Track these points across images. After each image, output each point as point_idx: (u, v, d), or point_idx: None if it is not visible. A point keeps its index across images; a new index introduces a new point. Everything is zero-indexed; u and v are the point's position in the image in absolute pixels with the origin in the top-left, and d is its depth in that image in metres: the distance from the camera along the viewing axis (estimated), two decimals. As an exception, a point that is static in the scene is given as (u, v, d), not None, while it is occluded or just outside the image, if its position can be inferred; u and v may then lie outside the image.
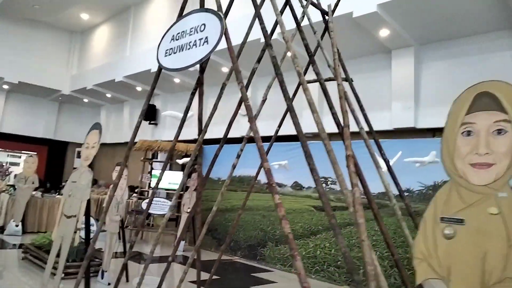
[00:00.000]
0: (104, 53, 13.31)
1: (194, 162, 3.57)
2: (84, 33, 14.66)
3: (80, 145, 16.10)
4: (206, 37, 2.31)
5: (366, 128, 3.35)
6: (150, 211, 8.55)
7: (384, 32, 6.68)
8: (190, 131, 11.07)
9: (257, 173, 4.44)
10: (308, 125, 3.34)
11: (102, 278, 4.94)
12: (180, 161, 8.01)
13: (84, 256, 5.00)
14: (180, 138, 10.47)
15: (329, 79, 3.24)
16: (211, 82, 10.76)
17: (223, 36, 2.30)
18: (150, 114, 12.28)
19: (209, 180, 8.96)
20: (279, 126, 4.17)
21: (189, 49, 2.43)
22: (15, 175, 11.77)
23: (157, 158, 9.87)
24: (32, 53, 13.65)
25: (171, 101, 12.37)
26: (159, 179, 3.26)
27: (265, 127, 9.43)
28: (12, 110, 14.32)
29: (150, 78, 11.11)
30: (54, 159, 15.69)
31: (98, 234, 3.12)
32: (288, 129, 7.02)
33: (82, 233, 4.64)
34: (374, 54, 7.69)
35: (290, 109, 2.32)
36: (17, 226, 8.15)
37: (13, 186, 9.24)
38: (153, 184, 9.10)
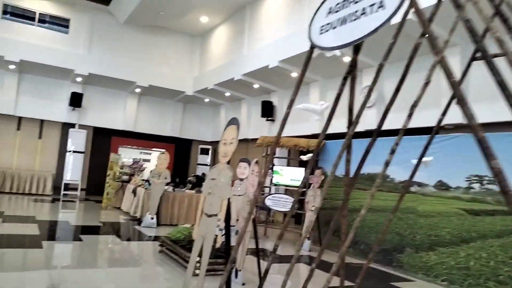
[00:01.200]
0: (223, 53, 13.72)
1: (316, 158, 3.25)
2: (203, 36, 15.36)
3: (202, 142, 17.07)
4: (381, 1, 1.85)
5: None
6: (273, 207, 8.42)
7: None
8: (309, 126, 10.75)
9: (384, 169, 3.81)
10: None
11: (236, 277, 4.84)
12: (305, 157, 7.69)
13: (216, 254, 5.00)
14: (299, 133, 10.10)
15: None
16: (329, 74, 10.30)
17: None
18: (267, 111, 12.26)
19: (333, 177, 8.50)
20: (443, 114, 3.48)
21: (355, 19, 2.00)
22: (151, 171, 12.84)
23: (274, 155, 9.71)
24: (159, 58, 14.76)
25: (287, 96, 12.17)
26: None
27: (394, 120, 8.63)
28: (144, 111, 15.67)
29: (267, 75, 10.98)
30: (180, 156, 16.79)
31: (243, 234, 2.89)
32: (421, 121, 6.25)
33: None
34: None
35: (460, 97, 1.71)
36: (152, 218, 8.72)
37: (147, 181, 9.95)
38: (274, 180, 8.97)
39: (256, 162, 4.88)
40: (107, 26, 14.07)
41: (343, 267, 3.59)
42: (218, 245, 3.58)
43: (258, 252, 4.92)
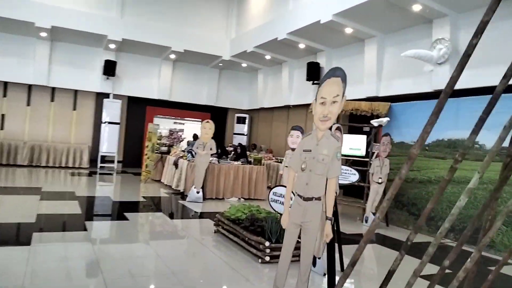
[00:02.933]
0: (263, 11, 12.56)
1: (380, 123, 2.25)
2: (240, -6, 14.21)
3: (239, 110, 16.20)
4: None
5: None
6: (331, 180, 7.52)
7: None
8: (368, 88, 9.63)
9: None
10: None
11: (314, 266, 4.04)
12: (375, 122, 6.67)
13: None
14: (357, 96, 8.96)
15: None
16: (389, 28, 8.53)
17: None
18: (313, 73, 11.18)
19: (401, 145, 7.47)
20: None
21: None
22: (188, 142, 12.18)
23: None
24: (194, 21, 13.77)
25: (337, 56, 11.02)
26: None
27: (472, 78, 7.42)
28: (178, 79, 14.88)
29: (317, 32, 9.71)
30: (217, 125, 15.95)
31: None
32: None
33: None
34: None
35: None
36: (198, 192, 8.05)
37: (190, 152, 9.25)
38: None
39: (338, 129, 3.93)
40: (139, -13, 13.13)
41: (477, 262, 2.66)
42: (327, 239, 2.75)
43: (339, 236, 4.07)
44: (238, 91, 16.05)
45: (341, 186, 7.93)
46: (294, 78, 12.92)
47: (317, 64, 11.21)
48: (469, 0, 7.19)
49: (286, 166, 8.15)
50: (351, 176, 7.39)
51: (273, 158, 11.91)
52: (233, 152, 10.91)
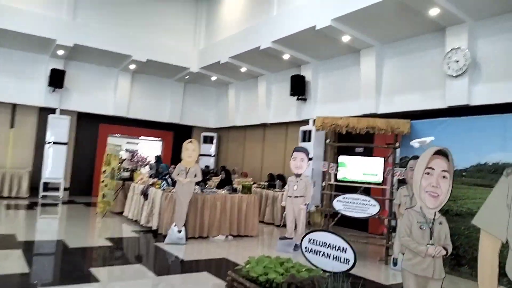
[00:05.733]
0: (240, 19, 11.24)
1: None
2: None
3: (205, 129, 14.61)
4: None
5: None
6: (345, 212, 6.27)
7: None
8: (366, 104, 8.43)
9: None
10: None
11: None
12: (417, 142, 5.39)
13: None
14: (352, 113, 7.73)
15: None
16: (389, 37, 7.30)
17: None
18: (298, 88, 10.03)
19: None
20: None
21: None
22: (150, 165, 10.42)
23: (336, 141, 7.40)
24: (157, 29, 12.14)
25: (324, 69, 9.96)
26: None
27: (493, 93, 6.57)
28: (138, 93, 13.10)
29: (309, 40, 8.34)
30: (180, 145, 14.34)
31: None
32: None
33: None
34: None
35: None
36: (180, 232, 6.42)
37: (165, 179, 7.60)
38: (340, 176, 6.80)
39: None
40: (93, -13, 11.33)
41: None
42: None
43: None
44: (205, 107, 14.52)
45: (354, 219, 6.73)
46: (272, 93, 11.69)
47: (302, 77, 10.07)
48: (490, 5, 6.40)
49: (289, 196, 6.81)
50: (370, 207, 6.18)
51: (256, 183, 10.47)
52: (213, 177, 9.35)
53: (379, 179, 6.48)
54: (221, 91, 14.19)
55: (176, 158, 13.69)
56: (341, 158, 6.80)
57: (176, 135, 14.33)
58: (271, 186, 9.74)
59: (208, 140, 14.36)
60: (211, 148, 14.39)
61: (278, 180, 9.76)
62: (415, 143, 5.48)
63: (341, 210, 6.31)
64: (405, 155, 6.40)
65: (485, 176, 5.46)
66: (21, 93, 11.01)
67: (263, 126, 12.18)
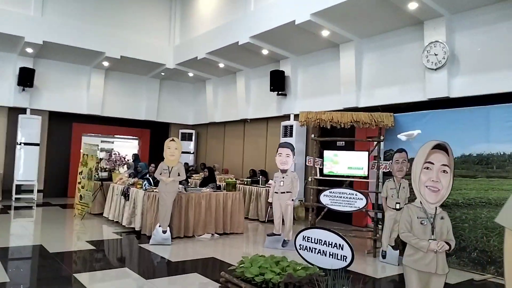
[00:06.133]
0: (216, 14, 11.06)
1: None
2: (183, -6, 12.60)
3: (183, 126, 14.37)
4: None
5: None
6: (333, 207, 6.29)
7: None
8: (346, 98, 8.53)
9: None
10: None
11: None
12: (404, 136, 5.42)
13: None
14: (333, 107, 7.71)
15: None
16: (369, 31, 7.30)
17: None
18: (278, 83, 9.98)
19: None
20: None
21: None
22: (128, 164, 10.15)
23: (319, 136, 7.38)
24: (131, 24, 11.79)
25: (303, 64, 9.94)
26: None
27: (472, 85, 6.72)
28: (112, 91, 12.73)
29: (287, 35, 8.34)
30: (158, 143, 14.03)
31: None
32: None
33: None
34: None
35: None
36: (165, 232, 6.27)
37: (147, 178, 7.41)
38: (326, 170, 6.81)
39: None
40: (62, -19, 10.87)
41: None
42: None
43: None
44: (182, 104, 14.28)
45: (340, 213, 6.75)
46: (251, 89, 11.61)
47: (282, 72, 10.03)
48: (468, -1, 6.52)
49: (276, 192, 6.76)
50: (358, 201, 6.21)
51: (238, 179, 10.38)
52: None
53: (365, 172, 6.52)
54: (199, 87, 13.99)
55: (154, 156, 13.46)
56: (326, 153, 6.79)
57: (153, 132, 14.08)
58: (254, 182, 9.68)
59: (186, 137, 14.14)
60: (190, 145, 14.18)
61: (261, 176, 9.71)
62: (402, 136, 5.53)
63: (328, 204, 6.31)
64: (389, 148, 6.46)
65: (469, 167, 5.57)
66: (-12, 93, 10.50)
67: (243, 121, 12.09)
